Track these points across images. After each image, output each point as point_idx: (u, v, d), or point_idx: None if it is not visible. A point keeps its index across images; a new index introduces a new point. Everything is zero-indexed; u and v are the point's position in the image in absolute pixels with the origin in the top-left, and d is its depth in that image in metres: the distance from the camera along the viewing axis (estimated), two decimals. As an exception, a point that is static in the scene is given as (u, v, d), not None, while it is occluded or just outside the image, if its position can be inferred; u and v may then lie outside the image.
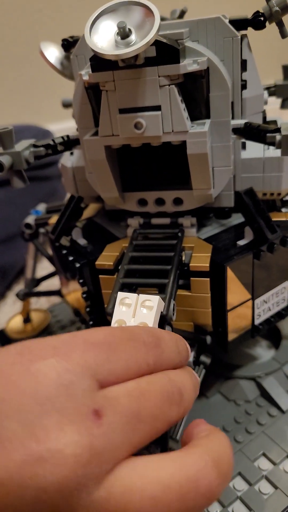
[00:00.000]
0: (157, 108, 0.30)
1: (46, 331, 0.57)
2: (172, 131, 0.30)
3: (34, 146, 0.34)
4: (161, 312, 0.28)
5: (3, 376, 0.18)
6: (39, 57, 0.39)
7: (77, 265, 0.36)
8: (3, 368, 0.19)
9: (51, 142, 0.35)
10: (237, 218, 0.40)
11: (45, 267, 0.72)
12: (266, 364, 0.46)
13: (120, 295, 0.28)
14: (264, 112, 0.38)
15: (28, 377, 0.18)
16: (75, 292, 0.41)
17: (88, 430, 0.18)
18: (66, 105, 0.49)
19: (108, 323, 0.29)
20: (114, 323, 0.27)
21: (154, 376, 0.22)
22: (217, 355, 0.47)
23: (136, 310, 0.27)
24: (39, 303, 0.66)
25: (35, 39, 0.39)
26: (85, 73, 0.30)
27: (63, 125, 0.81)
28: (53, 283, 0.59)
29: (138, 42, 0.25)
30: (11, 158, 0.32)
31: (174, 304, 0.30)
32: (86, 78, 0.30)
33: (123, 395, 0.20)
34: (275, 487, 0.36)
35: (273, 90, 0.44)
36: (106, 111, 0.31)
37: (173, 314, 0.30)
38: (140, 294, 0.27)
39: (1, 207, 0.70)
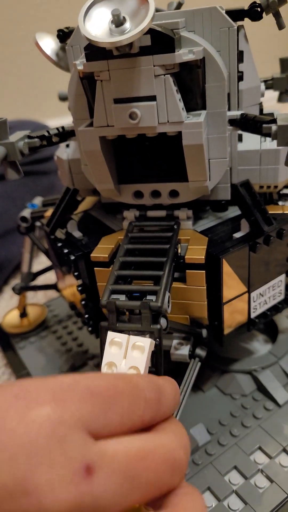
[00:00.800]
0: (152, 98, 0.29)
1: (42, 325, 0.57)
2: (168, 121, 0.30)
3: (29, 137, 0.34)
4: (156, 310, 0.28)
5: (0, 422, 0.18)
6: (37, 52, 0.39)
7: (72, 257, 0.36)
8: (1, 412, 0.18)
9: (46, 134, 0.35)
10: (233, 211, 0.40)
11: (41, 261, 0.72)
12: (262, 358, 0.45)
13: (110, 335, 0.27)
14: (260, 105, 0.38)
15: (23, 427, 0.18)
16: (70, 286, 0.41)
17: (77, 487, 0.17)
18: (63, 98, 0.49)
19: (103, 316, 0.29)
20: (104, 365, 0.26)
21: (163, 437, 0.21)
22: (214, 349, 0.47)
23: (127, 351, 0.26)
24: (36, 298, 0.66)
25: (32, 34, 0.39)
26: (80, 63, 0.30)
27: (61, 121, 0.81)
28: (50, 278, 0.59)
29: (133, 30, 0.25)
30: (5, 149, 0.32)
31: (169, 296, 0.30)
32: (80, 67, 0.30)
33: (122, 454, 0.19)
34: (271, 480, 0.36)
35: (270, 83, 0.44)
36: (101, 101, 0.30)
37: (168, 306, 0.30)
38: (131, 336, 0.26)
39: (-2, 202, 0.70)
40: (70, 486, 0.17)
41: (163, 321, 0.29)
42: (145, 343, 0.26)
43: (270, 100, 0.41)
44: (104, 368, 0.26)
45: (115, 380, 0.22)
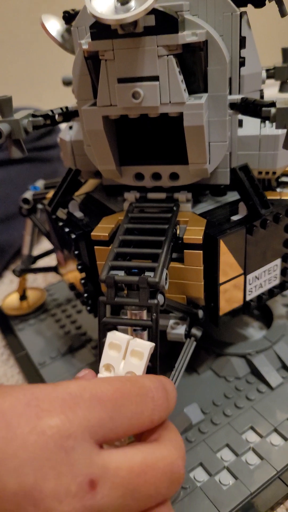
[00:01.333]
0: (155, 78, 0.30)
1: (41, 308, 0.58)
2: (170, 102, 0.31)
3: (33, 115, 0.35)
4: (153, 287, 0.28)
5: (10, 430, 0.19)
6: (40, 39, 0.39)
7: (73, 236, 0.37)
8: (11, 421, 0.19)
9: (50, 113, 0.35)
10: (232, 196, 0.40)
11: (42, 248, 0.73)
12: (257, 342, 0.46)
13: (110, 336, 0.27)
14: (261, 91, 0.38)
15: (33, 436, 0.19)
16: (70, 266, 0.42)
17: (80, 501, 0.18)
18: (67, 82, 0.49)
19: (102, 295, 0.29)
20: (101, 366, 0.26)
21: (163, 449, 0.22)
22: (210, 333, 0.48)
23: (125, 355, 0.26)
24: (36, 283, 0.67)
25: (36, 21, 0.39)
26: (85, 42, 0.31)
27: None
28: (50, 262, 0.60)
29: (138, 8, 0.25)
30: (10, 126, 0.33)
31: (166, 273, 0.31)
32: (85, 47, 0.31)
33: (125, 469, 0.20)
34: (261, 458, 0.37)
35: (272, 73, 0.45)
36: (104, 80, 0.31)
37: (166, 283, 0.31)
38: (130, 341, 0.27)
39: (1, 187, 0.71)
40: (75, 500, 0.18)
41: (160, 297, 0.30)
42: (145, 349, 0.26)
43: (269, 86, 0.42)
44: (102, 369, 0.26)
45: (121, 383, 0.22)
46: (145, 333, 0.32)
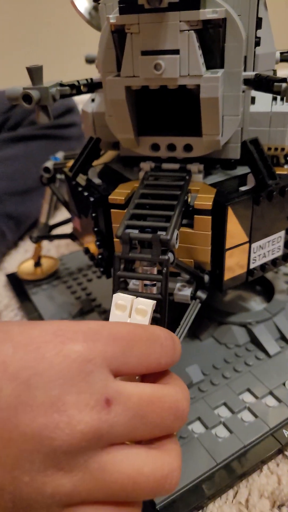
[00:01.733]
0: (176, 51, 0.33)
1: (54, 275, 0.61)
2: (188, 74, 0.33)
3: (61, 85, 0.37)
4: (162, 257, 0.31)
5: (40, 352, 0.22)
6: (58, 22, 0.41)
7: (91, 199, 0.40)
8: (40, 345, 0.22)
9: (76, 83, 0.38)
10: (241, 170, 0.43)
11: (58, 220, 0.76)
12: (258, 313, 0.49)
13: (116, 297, 0.29)
14: (275, 72, 0.40)
15: (59, 358, 0.22)
16: (87, 230, 0.45)
17: (97, 414, 0.21)
18: (90, 60, 0.52)
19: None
20: None
21: (170, 388, 0.25)
22: (213, 304, 0.51)
23: (131, 313, 0.29)
24: (49, 253, 0.70)
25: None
26: (113, 17, 0.33)
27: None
28: (65, 231, 0.62)
29: (164, -16, 0.28)
30: (39, 93, 0.35)
31: (177, 234, 0.34)
32: (113, 21, 0.33)
33: (136, 396, 0.23)
34: (256, 416, 0.40)
35: (286, 56, 0.47)
36: (129, 53, 0.34)
37: (176, 242, 0.33)
38: (134, 299, 0.29)
39: (21, 161, 0.74)
40: (93, 412, 0.21)
41: (170, 255, 0.33)
42: (148, 306, 0.28)
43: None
44: None
45: (135, 327, 0.25)
46: (154, 289, 0.35)
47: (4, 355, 0.22)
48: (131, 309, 0.29)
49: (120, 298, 0.29)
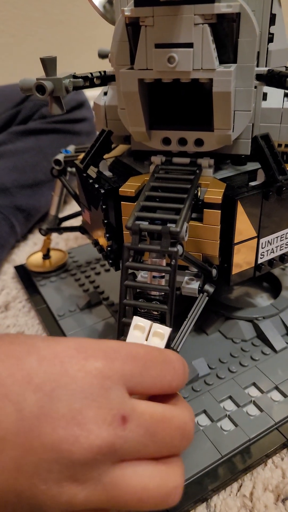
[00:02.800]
0: (190, 45, 0.33)
1: (63, 268, 0.61)
2: (201, 68, 0.33)
3: (74, 77, 0.38)
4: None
5: (63, 367, 0.23)
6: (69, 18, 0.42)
7: (102, 191, 0.40)
8: (64, 360, 0.23)
9: (89, 75, 0.38)
10: (252, 166, 0.43)
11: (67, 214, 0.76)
12: (264, 309, 0.49)
13: (135, 320, 0.30)
14: (287, 68, 0.41)
15: (82, 373, 0.23)
16: (96, 223, 0.45)
17: (114, 430, 0.23)
18: (103, 55, 0.52)
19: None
20: None
21: (178, 410, 0.26)
22: (220, 300, 0.51)
23: (148, 336, 0.30)
24: (58, 246, 0.70)
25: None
26: (128, 9, 0.34)
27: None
28: (74, 224, 0.63)
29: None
30: (53, 84, 0.36)
31: (187, 226, 0.34)
32: (128, 13, 0.33)
33: (148, 414, 0.24)
34: (261, 410, 0.40)
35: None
36: (143, 45, 0.34)
37: (186, 235, 0.34)
38: (154, 323, 0.30)
39: (32, 154, 0.74)
40: (110, 428, 0.23)
41: (179, 247, 0.33)
42: (166, 331, 0.30)
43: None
44: None
45: (151, 349, 0.27)
46: (163, 281, 0.35)
47: (29, 367, 0.23)
48: (149, 332, 0.30)
49: (139, 320, 0.30)
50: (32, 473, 0.21)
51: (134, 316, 0.31)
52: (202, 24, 0.32)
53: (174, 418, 0.25)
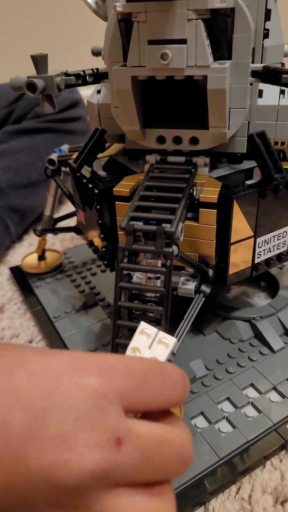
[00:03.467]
0: (183, 41, 0.32)
1: (58, 269, 0.61)
2: (195, 65, 0.33)
3: (66, 74, 0.37)
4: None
5: (56, 383, 0.21)
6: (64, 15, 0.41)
7: (96, 191, 0.39)
8: (57, 376, 0.22)
9: (82, 73, 0.38)
10: (248, 164, 0.42)
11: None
12: (262, 308, 0.49)
13: (142, 325, 0.29)
14: (283, 65, 0.40)
15: (75, 391, 0.21)
16: (91, 223, 0.44)
17: (107, 454, 0.21)
18: (96, 53, 0.51)
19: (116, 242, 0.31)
20: (129, 348, 0.28)
21: (177, 431, 0.24)
22: (217, 300, 0.50)
23: (153, 343, 0.28)
24: (54, 247, 0.70)
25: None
26: (120, 5, 0.33)
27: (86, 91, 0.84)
28: (69, 224, 0.62)
29: None
30: (44, 82, 0.35)
31: (182, 226, 0.33)
32: (120, 9, 0.33)
33: (145, 436, 0.23)
34: (259, 411, 0.40)
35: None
36: (135, 42, 0.33)
37: (181, 235, 0.33)
38: (160, 332, 0.29)
39: (26, 154, 0.74)
40: (103, 451, 0.21)
41: (175, 248, 0.32)
42: (171, 341, 0.28)
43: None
44: (128, 351, 0.28)
45: (149, 362, 0.25)
46: (158, 282, 0.34)
47: (18, 383, 0.21)
48: (154, 340, 0.28)
49: (146, 327, 0.29)
50: (17, 500, 0.20)
51: (142, 322, 0.29)
52: (196, 19, 0.31)
53: (173, 441, 0.24)
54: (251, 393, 0.42)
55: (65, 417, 0.21)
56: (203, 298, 0.39)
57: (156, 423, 0.24)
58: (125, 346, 0.29)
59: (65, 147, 0.54)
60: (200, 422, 0.39)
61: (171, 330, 0.33)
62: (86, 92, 0.69)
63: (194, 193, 0.38)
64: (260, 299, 0.52)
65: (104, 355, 0.24)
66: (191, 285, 0.39)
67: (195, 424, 0.39)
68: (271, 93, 0.39)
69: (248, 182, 0.38)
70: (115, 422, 0.22)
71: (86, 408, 0.21)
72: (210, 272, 0.40)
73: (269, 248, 0.41)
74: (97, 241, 0.44)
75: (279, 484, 0.35)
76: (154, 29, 0.32)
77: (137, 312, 0.33)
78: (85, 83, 0.38)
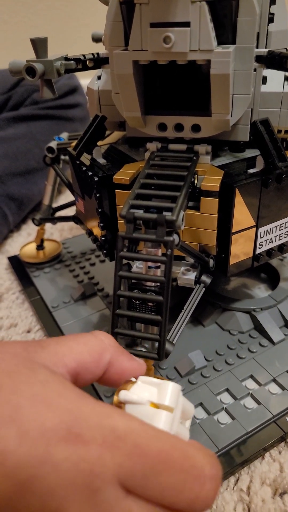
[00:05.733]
0: (187, 24, 0.31)
1: (57, 259, 0.60)
2: (199, 49, 0.32)
3: (66, 59, 0.36)
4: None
5: (47, 451, 0.19)
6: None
7: (96, 178, 0.38)
8: (50, 442, 0.19)
9: (82, 57, 0.37)
10: (250, 153, 0.42)
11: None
12: (262, 300, 0.48)
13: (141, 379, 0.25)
14: (288, 50, 0.39)
15: (67, 464, 0.18)
16: (90, 212, 0.44)
17: None
18: (96, 39, 0.50)
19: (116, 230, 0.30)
20: (146, 400, 0.23)
21: None
22: (217, 291, 0.50)
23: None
24: (52, 237, 0.69)
25: None
26: (121, -14, 0.32)
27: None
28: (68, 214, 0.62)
29: None
30: (44, 66, 0.34)
31: (183, 215, 0.33)
32: (122, -10, 0.32)
33: None
34: (259, 403, 0.39)
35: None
36: (137, 25, 0.32)
37: (182, 223, 0.32)
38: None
39: (23, 141, 0.72)
40: None
41: (175, 236, 0.32)
42: (191, 410, 0.25)
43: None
44: (138, 382, 0.25)
45: (171, 447, 0.20)
46: (158, 271, 0.34)
47: (6, 443, 0.18)
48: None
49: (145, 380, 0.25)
50: None
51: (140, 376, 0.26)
52: (200, 1, 0.30)
53: None
54: (250, 384, 0.41)
55: (51, 492, 0.18)
56: (204, 289, 0.39)
57: (165, 509, 0.20)
58: (123, 336, 0.28)
59: (64, 135, 0.53)
60: (199, 413, 0.39)
61: (170, 320, 0.32)
62: (86, 82, 0.68)
63: (196, 182, 0.37)
64: (260, 291, 0.52)
65: (115, 419, 0.20)
66: (191, 275, 0.39)
67: (194, 415, 0.39)
68: (275, 80, 0.38)
69: (251, 170, 0.37)
70: (109, 506, 0.19)
71: (75, 487, 0.18)
72: (211, 262, 0.39)
73: (271, 238, 0.41)
74: (97, 230, 0.43)
75: (278, 476, 0.35)
76: (157, 12, 0.31)
77: (137, 302, 0.32)
78: (85, 68, 0.37)
